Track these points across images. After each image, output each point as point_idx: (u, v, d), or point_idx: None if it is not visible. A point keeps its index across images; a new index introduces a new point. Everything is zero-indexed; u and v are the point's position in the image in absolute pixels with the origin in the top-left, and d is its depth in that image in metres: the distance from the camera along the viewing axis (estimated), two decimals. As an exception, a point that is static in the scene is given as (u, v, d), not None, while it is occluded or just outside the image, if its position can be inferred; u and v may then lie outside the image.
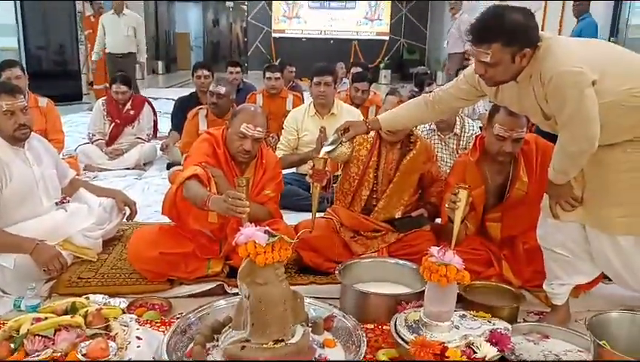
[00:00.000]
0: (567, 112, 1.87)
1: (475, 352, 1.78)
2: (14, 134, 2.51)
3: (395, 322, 1.93)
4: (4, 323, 1.97)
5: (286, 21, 15.98)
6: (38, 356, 1.61)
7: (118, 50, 7.47)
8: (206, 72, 4.90)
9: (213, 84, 4.21)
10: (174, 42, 18.37)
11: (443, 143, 3.96)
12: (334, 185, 2.80)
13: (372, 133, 2.77)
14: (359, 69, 5.92)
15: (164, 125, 5.72)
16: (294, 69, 6.88)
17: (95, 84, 9.85)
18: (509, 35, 1.87)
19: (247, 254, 1.76)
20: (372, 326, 2.10)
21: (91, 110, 8.03)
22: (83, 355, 1.62)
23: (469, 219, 2.49)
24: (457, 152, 3.93)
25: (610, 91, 1.85)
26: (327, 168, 2.42)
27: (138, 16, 8.07)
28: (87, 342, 1.67)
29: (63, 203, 2.88)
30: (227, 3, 19.60)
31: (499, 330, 1.88)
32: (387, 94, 2.83)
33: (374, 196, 2.81)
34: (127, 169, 4.64)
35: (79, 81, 9.70)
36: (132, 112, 4.84)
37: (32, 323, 1.73)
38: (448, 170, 3.82)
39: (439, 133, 3.95)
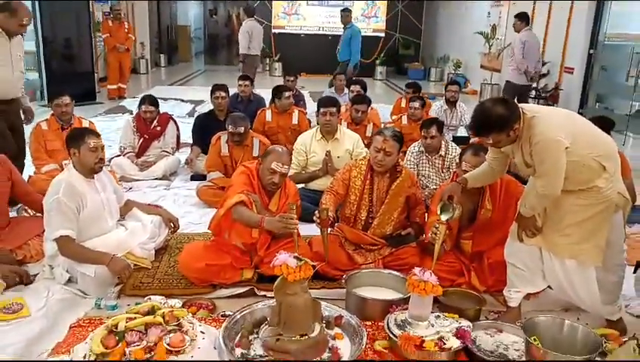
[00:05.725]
0: (544, 166, 2.54)
1: (444, 344, 2.47)
2: (94, 167, 3.17)
3: (388, 321, 2.61)
4: (99, 322, 2.67)
5: (285, 17, 16.53)
6: (137, 345, 2.28)
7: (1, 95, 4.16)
8: (223, 94, 5.48)
9: (231, 125, 4.49)
10: (176, 35, 18.90)
11: (430, 163, 4.61)
12: (337, 223, 3.45)
13: (363, 167, 3.40)
14: (358, 88, 6.47)
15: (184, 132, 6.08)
16: (293, 78, 7.32)
17: (109, 84, 10.43)
18: (499, 126, 2.55)
19: (281, 273, 2.45)
20: (370, 323, 2.76)
21: (107, 113, 8.69)
22: (168, 344, 2.30)
23: (446, 239, 3.17)
24: (442, 171, 4.60)
25: (576, 154, 2.51)
26: (329, 215, 3.07)
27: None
28: (170, 335, 2.35)
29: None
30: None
31: (463, 327, 2.56)
32: (374, 134, 3.45)
33: (370, 216, 3.42)
34: (156, 179, 5.20)
35: (92, 82, 10.18)
36: (158, 128, 5.40)
37: (127, 321, 2.40)
38: (433, 186, 4.54)
39: (427, 155, 4.60)
